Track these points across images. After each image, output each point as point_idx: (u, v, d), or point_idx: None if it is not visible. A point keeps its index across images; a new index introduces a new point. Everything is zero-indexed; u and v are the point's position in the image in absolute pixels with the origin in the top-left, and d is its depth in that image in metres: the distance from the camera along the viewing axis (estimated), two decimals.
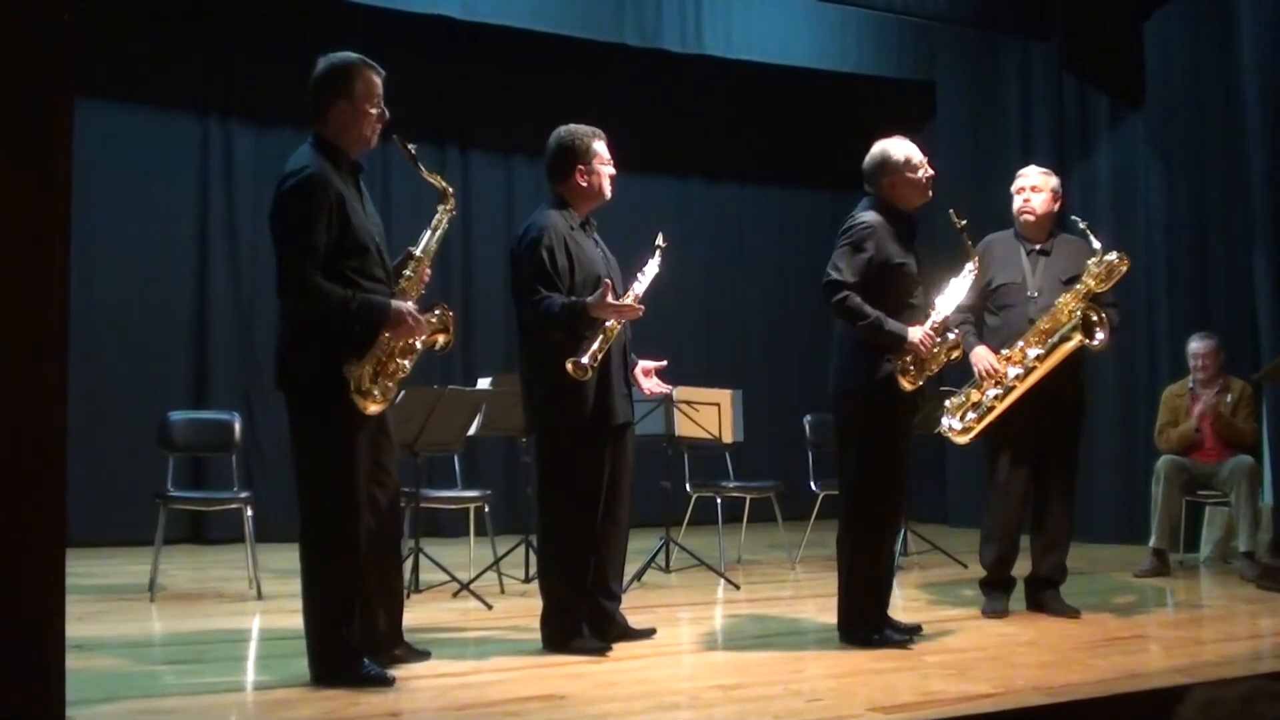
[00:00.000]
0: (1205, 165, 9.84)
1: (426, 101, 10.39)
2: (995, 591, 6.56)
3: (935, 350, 5.64)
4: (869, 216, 5.75)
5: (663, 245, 5.78)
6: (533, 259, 5.44)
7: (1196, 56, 9.91)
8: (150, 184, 10.10)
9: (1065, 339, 6.23)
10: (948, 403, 6.38)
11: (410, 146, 5.10)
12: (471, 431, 7.58)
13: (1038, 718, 4.43)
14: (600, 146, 5.69)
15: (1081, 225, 6.48)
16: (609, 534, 5.65)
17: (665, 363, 5.96)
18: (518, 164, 11.48)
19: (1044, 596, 6.54)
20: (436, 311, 5.01)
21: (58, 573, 3.42)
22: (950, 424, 6.29)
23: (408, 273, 5.05)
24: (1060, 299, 6.32)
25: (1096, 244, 6.38)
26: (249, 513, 7.31)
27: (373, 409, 4.80)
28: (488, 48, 10.57)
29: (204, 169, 10.36)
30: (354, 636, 4.84)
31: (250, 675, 5.33)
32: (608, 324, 5.43)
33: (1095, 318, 6.21)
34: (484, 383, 8.07)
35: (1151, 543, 8.38)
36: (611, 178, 5.71)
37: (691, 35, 10.51)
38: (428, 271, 5.11)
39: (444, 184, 5.18)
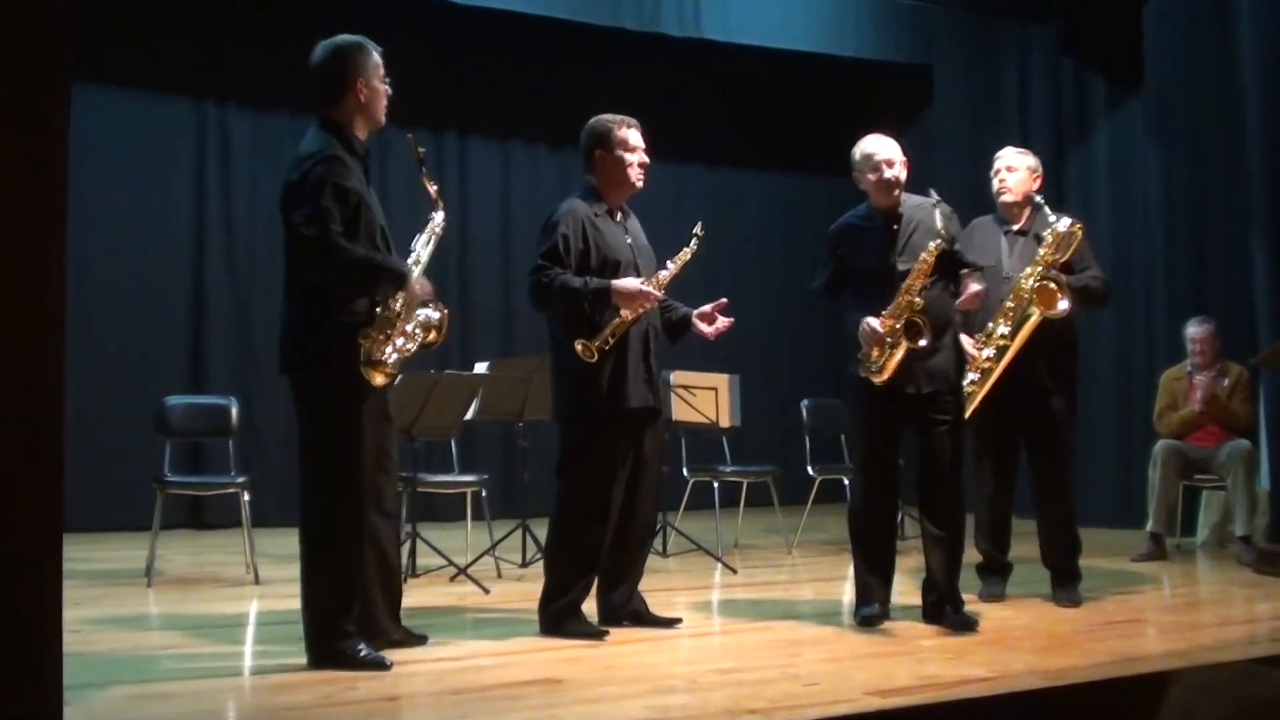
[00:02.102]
0: (1203, 149, 9.83)
1: (422, 87, 10.34)
2: (991, 576, 6.56)
3: (886, 342, 5.65)
4: (841, 219, 6.09)
5: (700, 234, 5.77)
6: (547, 240, 5.53)
7: (1195, 40, 9.89)
8: (147, 169, 10.09)
9: (1028, 314, 6.24)
10: None
11: (421, 150, 5.15)
12: (468, 416, 7.58)
13: (1034, 701, 4.44)
14: (626, 134, 5.66)
15: (1038, 199, 6.47)
16: (625, 524, 5.65)
17: (725, 301, 5.86)
18: (514, 149, 11.47)
19: (1054, 584, 6.51)
20: (435, 311, 5.03)
21: (55, 558, 3.42)
22: None
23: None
24: (1021, 273, 6.33)
25: (1052, 216, 6.39)
26: (246, 497, 7.32)
27: (379, 380, 4.83)
28: (484, 32, 10.54)
29: (200, 154, 10.35)
30: (352, 622, 4.85)
31: (248, 660, 5.33)
32: (622, 311, 5.44)
33: (1053, 285, 6.20)
34: (481, 367, 8.07)
35: (1148, 527, 8.40)
36: (641, 165, 5.68)
37: (689, 19, 10.48)
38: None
39: (436, 195, 5.17)
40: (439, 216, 5.17)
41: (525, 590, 6.98)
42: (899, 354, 5.64)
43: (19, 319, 3.36)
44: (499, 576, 7.35)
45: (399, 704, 4.47)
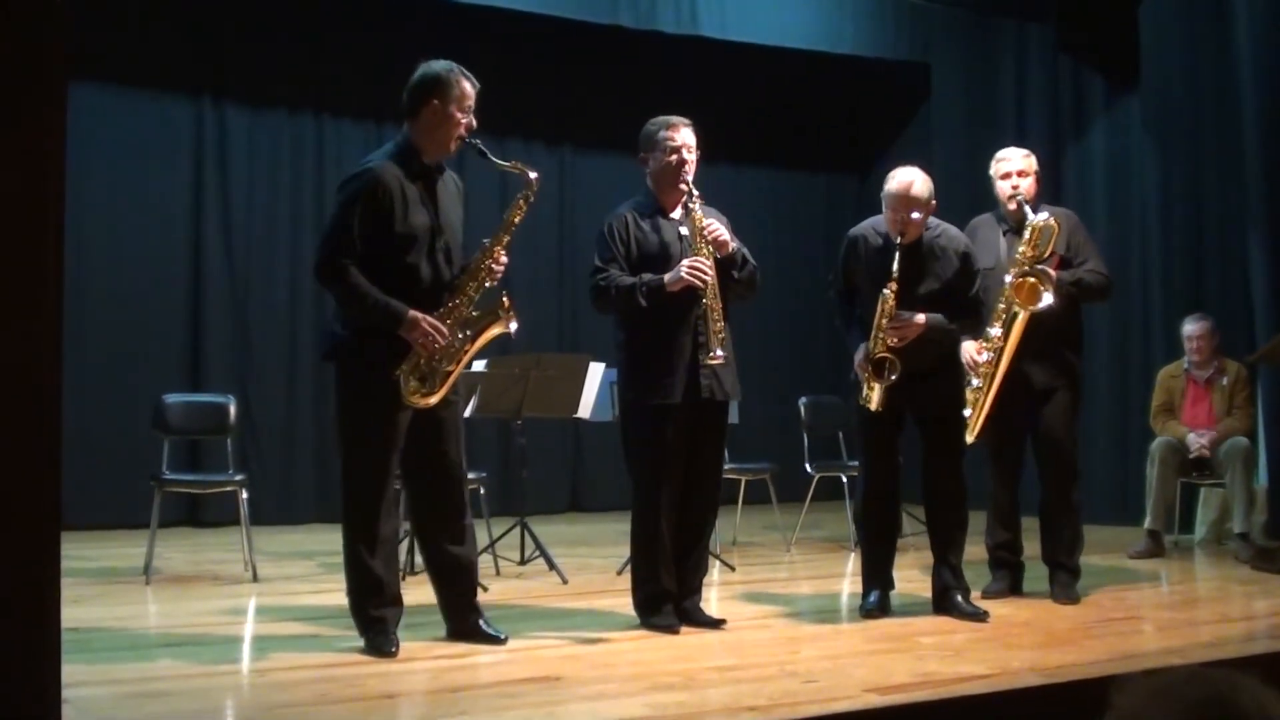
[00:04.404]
0: (1200, 147, 9.84)
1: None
2: (999, 572, 6.58)
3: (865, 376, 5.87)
4: (860, 226, 6.22)
5: (688, 183, 5.75)
6: (599, 245, 5.76)
7: (1191, 38, 9.89)
8: (144, 167, 10.06)
9: (1015, 312, 6.22)
10: None
11: (475, 141, 5.32)
12: (466, 414, 7.57)
13: (1033, 699, 4.44)
14: (668, 134, 5.74)
15: (1020, 197, 6.43)
16: (679, 517, 5.73)
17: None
18: (511, 148, 11.41)
19: (1052, 580, 6.51)
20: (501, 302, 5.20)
21: (53, 555, 3.42)
22: None
23: (470, 266, 5.21)
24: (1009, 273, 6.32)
25: (1031, 215, 6.34)
26: (244, 495, 7.31)
27: (423, 403, 5.02)
28: (481, 30, 10.51)
29: (198, 151, 10.30)
30: (372, 607, 5.07)
31: (246, 657, 5.32)
32: (704, 302, 5.55)
33: (1032, 280, 6.18)
34: (478, 365, 8.06)
35: (1146, 524, 8.40)
36: (681, 164, 5.71)
37: (686, 17, 10.48)
38: (498, 256, 5.20)
39: (521, 168, 5.36)
40: (532, 179, 5.36)
41: (524, 587, 6.99)
42: (877, 390, 5.82)
43: (16, 317, 3.36)
44: (497, 574, 7.35)
45: (398, 701, 4.48)
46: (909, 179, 5.94)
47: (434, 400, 5.02)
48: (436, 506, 5.28)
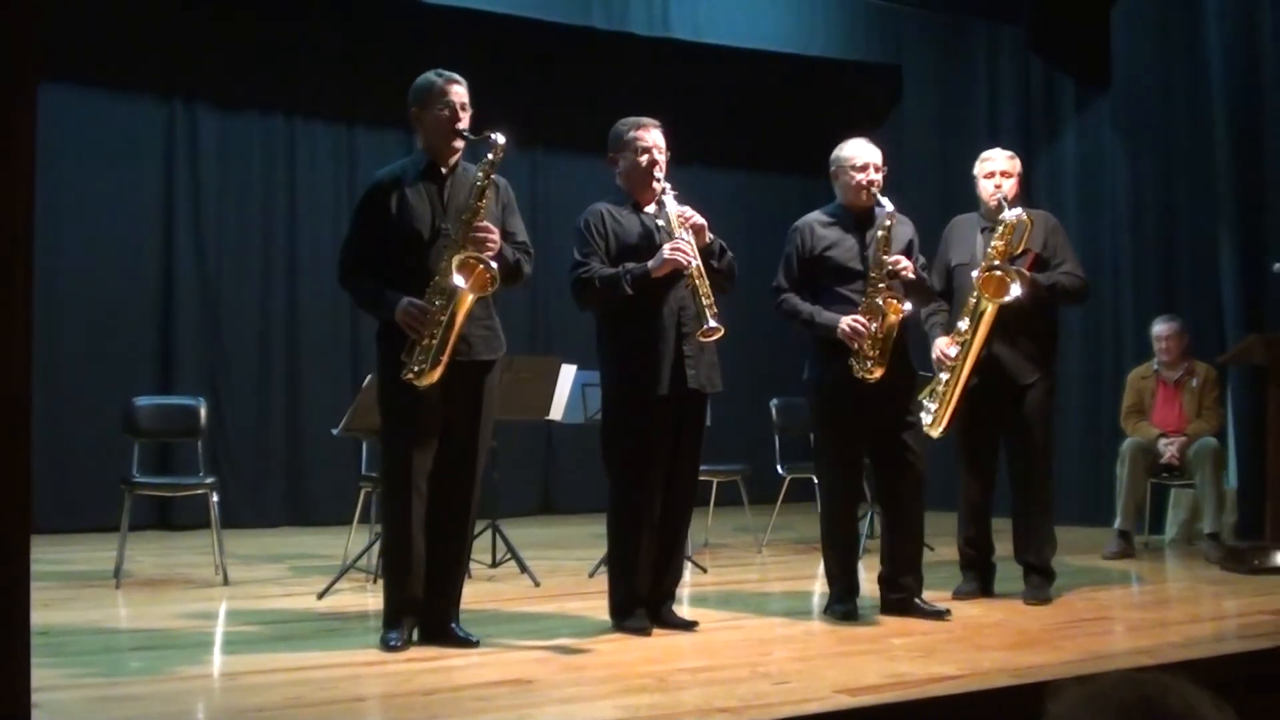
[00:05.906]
0: (1171, 148, 9.88)
1: (388, 85, 10.27)
2: (967, 572, 6.58)
3: (869, 336, 5.81)
4: (804, 218, 6.26)
5: (661, 178, 5.76)
6: (578, 240, 5.75)
7: (1162, 40, 9.94)
8: (114, 168, 10.02)
9: (983, 307, 6.23)
10: (922, 396, 6.36)
11: (465, 131, 5.41)
12: None
13: (1004, 699, 4.45)
14: (637, 134, 5.77)
15: (1000, 196, 6.45)
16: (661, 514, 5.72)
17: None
18: (482, 149, 11.42)
19: (1026, 581, 6.51)
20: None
21: (23, 559, 3.40)
22: (923, 417, 6.27)
23: (455, 237, 5.25)
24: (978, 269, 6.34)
25: (1008, 211, 6.37)
26: (214, 498, 7.27)
27: (419, 381, 5.10)
28: (454, 33, 10.50)
29: (169, 152, 10.27)
30: (399, 594, 5.21)
31: (217, 661, 5.29)
32: (690, 280, 5.53)
33: (999, 273, 6.20)
34: None
35: (1116, 525, 8.43)
36: (652, 164, 5.73)
37: (659, 18, 10.50)
38: (476, 224, 5.21)
39: (486, 133, 5.35)
40: (497, 143, 5.33)
41: (495, 590, 6.98)
42: (888, 338, 5.81)
43: None
44: (470, 577, 7.32)
45: (369, 705, 4.47)
46: (851, 140, 6.14)
47: (434, 377, 5.08)
48: (444, 505, 5.30)
